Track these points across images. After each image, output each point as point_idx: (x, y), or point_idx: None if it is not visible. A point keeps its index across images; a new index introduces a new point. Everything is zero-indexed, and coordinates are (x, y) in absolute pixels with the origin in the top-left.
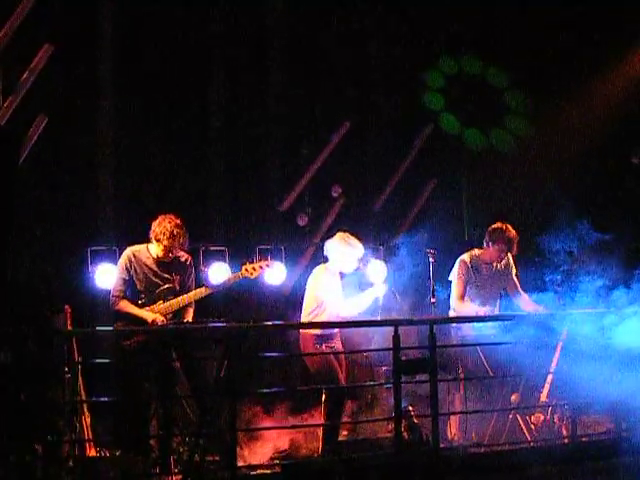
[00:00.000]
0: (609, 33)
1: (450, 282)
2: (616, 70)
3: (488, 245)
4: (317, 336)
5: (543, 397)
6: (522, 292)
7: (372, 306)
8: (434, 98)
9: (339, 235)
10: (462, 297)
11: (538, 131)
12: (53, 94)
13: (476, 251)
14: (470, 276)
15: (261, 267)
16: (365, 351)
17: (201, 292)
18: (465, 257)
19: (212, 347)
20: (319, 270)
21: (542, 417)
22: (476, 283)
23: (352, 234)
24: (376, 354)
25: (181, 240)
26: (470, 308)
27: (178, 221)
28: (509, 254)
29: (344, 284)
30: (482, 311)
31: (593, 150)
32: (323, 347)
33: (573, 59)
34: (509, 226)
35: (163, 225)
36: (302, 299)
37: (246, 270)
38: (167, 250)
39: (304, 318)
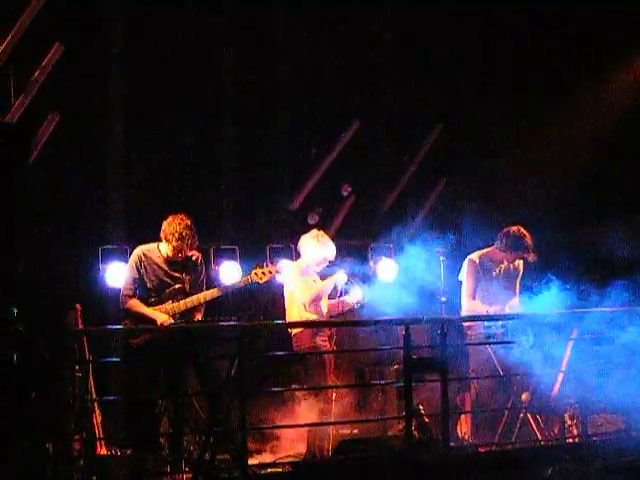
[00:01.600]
0: (614, 33)
1: (460, 282)
2: (622, 70)
3: (502, 247)
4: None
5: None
6: (517, 295)
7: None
8: None
9: (313, 232)
10: (472, 296)
11: (548, 132)
12: (64, 93)
13: (485, 250)
14: (479, 275)
15: (270, 272)
16: (374, 350)
17: (211, 294)
18: (474, 256)
19: (223, 346)
20: (290, 268)
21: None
22: (486, 282)
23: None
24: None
25: (190, 241)
26: (480, 308)
27: (188, 222)
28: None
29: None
30: (492, 310)
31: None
32: (317, 340)
33: (580, 58)
34: (525, 231)
35: (172, 226)
36: None
37: (255, 274)
38: (176, 251)
39: (289, 316)
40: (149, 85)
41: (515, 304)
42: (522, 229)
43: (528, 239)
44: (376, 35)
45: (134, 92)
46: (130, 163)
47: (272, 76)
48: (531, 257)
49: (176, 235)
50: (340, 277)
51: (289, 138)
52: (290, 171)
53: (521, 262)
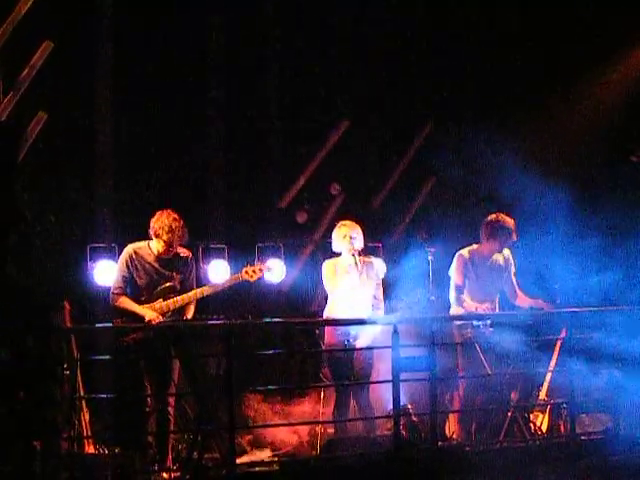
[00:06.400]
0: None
1: (449, 278)
2: (617, 66)
3: (486, 239)
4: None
5: (542, 395)
6: (519, 291)
7: None
8: None
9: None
10: (461, 292)
11: (540, 128)
12: (52, 91)
13: (474, 246)
14: (469, 271)
15: (261, 270)
16: (364, 349)
17: (201, 292)
18: (463, 252)
19: (211, 344)
20: (323, 266)
21: (541, 415)
22: (476, 278)
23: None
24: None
25: (180, 233)
26: (470, 305)
27: (176, 215)
28: (509, 251)
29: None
30: (481, 308)
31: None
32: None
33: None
34: (503, 215)
35: (161, 220)
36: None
37: (246, 273)
38: (167, 245)
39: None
40: (138, 84)
41: (523, 298)
42: (501, 215)
43: (507, 223)
44: (366, 33)
45: (122, 90)
46: (118, 161)
47: (262, 74)
48: (513, 237)
49: (166, 228)
50: None
51: (279, 136)
52: (279, 169)
53: (510, 254)
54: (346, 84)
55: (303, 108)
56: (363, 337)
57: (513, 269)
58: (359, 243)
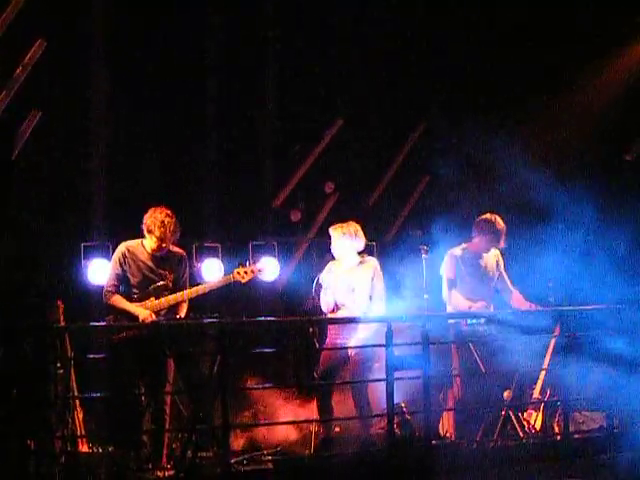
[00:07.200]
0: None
1: (441, 276)
2: (613, 62)
3: (476, 236)
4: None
5: (536, 394)
6: (513, 289)
7: None
8: None
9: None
10: (453, 290)
11: (533, 126)
12: (46, 89)
13: (465, 245)
14: (460, 269)
15: (253, 272)
16: (358, 347)
17: (195, 291)
18: (455, 250)
19: (205, 343)
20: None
21: (535, 414)
22: (468, 277)
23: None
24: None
25: (172, 228)
26: (464, 303)
27: (168, 211)
28: (498, 250)
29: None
30: (475, 307)
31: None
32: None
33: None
34: (498, 217)
35: (154, 216)
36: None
37: (237, 274)
38: (160, 240)
39: None
40: (132, 82)
41: (518, 298)
42: (494, 215)
43: (499, 224)
44: (364, 34)
45: (116, 88)
46: (112, 160)
47: (257, 74)
48: (501, 243)
49: (158, 224)
50: None
51: (272, 135)
52: (273, 168)
53: (499, 254)
54: (345, 84)
55: (297, 106)
56: (354, 338)
57: (502, 268)
58: (335, 247)
